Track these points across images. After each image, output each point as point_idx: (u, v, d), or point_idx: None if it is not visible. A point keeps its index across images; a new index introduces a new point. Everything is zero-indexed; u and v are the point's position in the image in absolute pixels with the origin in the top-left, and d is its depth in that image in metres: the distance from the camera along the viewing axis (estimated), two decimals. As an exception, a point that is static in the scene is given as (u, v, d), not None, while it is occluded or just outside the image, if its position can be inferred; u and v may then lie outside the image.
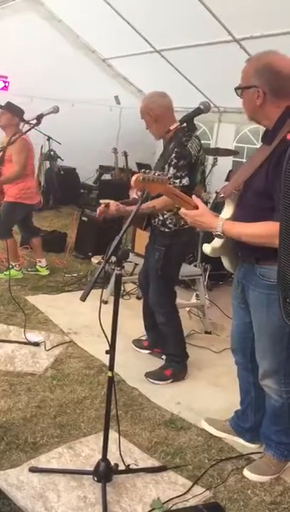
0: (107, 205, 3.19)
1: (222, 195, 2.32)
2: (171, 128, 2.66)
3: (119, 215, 3.32)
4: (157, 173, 2.02)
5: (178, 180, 3.07)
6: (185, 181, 3.08)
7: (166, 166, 3.12)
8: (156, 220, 3.31)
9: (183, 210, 2.26)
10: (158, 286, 3.38)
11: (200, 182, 3.30)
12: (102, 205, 3.21)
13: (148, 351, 3.76)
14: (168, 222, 3.25)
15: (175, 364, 3.45)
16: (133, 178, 2.00)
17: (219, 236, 2.21)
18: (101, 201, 3.24)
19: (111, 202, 3.22)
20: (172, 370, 3.42)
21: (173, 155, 3.10)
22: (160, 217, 3.27)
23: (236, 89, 2.25)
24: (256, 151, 2.34)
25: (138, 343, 3.83)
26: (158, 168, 3.16)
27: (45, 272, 5.29)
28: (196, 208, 2.22)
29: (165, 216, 3.24)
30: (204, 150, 3.32)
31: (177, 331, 3.50)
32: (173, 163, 3.09)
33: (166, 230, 3.27)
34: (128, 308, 4.49)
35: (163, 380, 3.37)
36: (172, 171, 3.09)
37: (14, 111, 4.83)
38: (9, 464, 2.42)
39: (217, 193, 7.32)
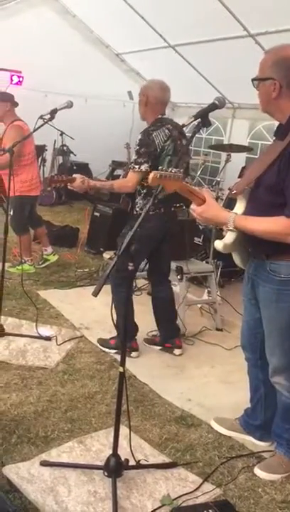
0: (73, 180, 3.36)
1: (234, 191, 2.32)
2: (152, 119, 3.26)
3: (84, 189, 3.44)
4: (173, 171, 2.02)
5: (137, 166, 3.28)
6: (144, 167, 3.26)
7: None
8: (136, 205, 3.46)
9: (191, 207, 2.24)
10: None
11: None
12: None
13: (159, 347, 3.76)
14: (136, 206, 3.43)
15: (118, 337, 3.54)
16: (151, 175, 2.01)
17: (231, 231, 2.21)
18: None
19: (78, 176, 3.41)
20: (116, 341, 3.57)
21: (137, 142, 3.34)
22: (136, 202, 3.42)
23: (253, 80, 2.25)
24: (269, 147, 2.33)
25: (149, 340, 3.83)
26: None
27: (54, 258, 5.31)
28: (204, 201, 2.20)
29: (136, 200, 3.42)
30: (184, 141, 3.51)
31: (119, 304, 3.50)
32: (135, 149, 3.34)
33: (134, 212, 3.45)
34: (139, 303, 4.48)
35: (106, 347, 3.60)
36: (134, 156, 3.32)
37: (4, 97, 4.85)
38: (20, 457, 2.43)
39: (229, 189, 7.30)
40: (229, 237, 2.30)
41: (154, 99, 3.44)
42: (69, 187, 3.39)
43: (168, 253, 3.76)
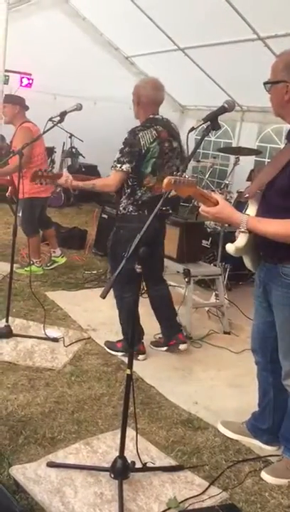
0: (59, 176, 3.40)
1: (246, 195, 2.32)
2: (144, 118, 3.26)
3: (67, 186, 3.47)
4: (187, 176, 2.02)
5: (119, 165, 3.24)
6: (126, 167, 3.23)
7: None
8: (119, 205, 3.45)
9: (203, 208, 2.22)
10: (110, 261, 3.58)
11: (153, 174, 3.35)
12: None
13: (165, 348, 3.76)
14: (120, 206, 3.40)
15: (126, 340, 3.55)
16: (165, 181, 2.01)
17: (243, 233, 2.21)
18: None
19: (65, 173, 3.44)
20: (123, 344, 3.58)
21: (123, 141, 3.27)
22: (120, 202, 3.40)
23: (265, 84, 2.25)
24: (280, 151, 2.33)
25: (155, 343, 3.84)
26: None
27: (62, 260, 5.34)
28: (217, 204, 2.20)
29: (119, 199, 3.40)
30: (171, 143, 3.43)
31: (123, 310, 3.58)
32: (120, 148, 3.26)
33: (118, 212, 3.43)
34: (147, 306, 4.49)
35: (113, 350, 3.61)
36: (117, 155, 3.26)
37: (14, 100, 4.90)
38: (27, 458, 2.44)
39: (238, 192, 7.28)
40: (241, 240, 2.30)
41: (146, 99, 3.37)
42: (55, 184, 3.47)
43: (161, 254, 3.78)
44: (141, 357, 3.57)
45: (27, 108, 4.94)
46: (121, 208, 3.40)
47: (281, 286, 2.29)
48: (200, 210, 2.28)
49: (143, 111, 3.40)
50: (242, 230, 2.19)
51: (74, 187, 3.49)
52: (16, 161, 4.47)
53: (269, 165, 2.36)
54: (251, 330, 2.71)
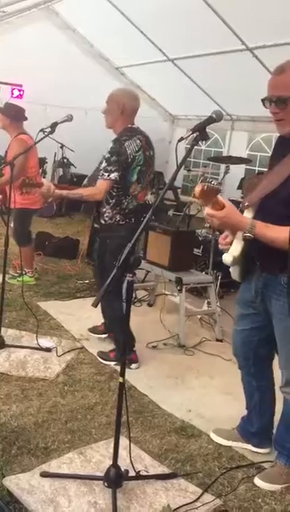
0: (40, 185, 3.45)
1: (246, 203, 2.30)
2: (121, 128, 3.31)
3: (49, 197, 3.51)
4: (213, 183, 2.00)
5: (106, 174, 3.27)
6: (114, 176, 3.27)
7: (103, 160, 3.33)
8: (101, 211, 3.47)
9: (209, 211, 2.12)
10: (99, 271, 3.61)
11: (138, 182, 3.41)
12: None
13: (104, 335, 3.86)
14: (105, 215, 3.43)
15: (117, 349, 3.59)
16: (198, 189, 1.98)
17: (248, 237, 2.14)
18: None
19: (46, 182, 3.50)
20: (115, 353, 3.59)
21: (108, 150, 3.31)
22: (101, 210, 3.44)
23: (281, 99, 2.15)
24: (284, 160, 2.25)
25: (93, 329, 4.00)
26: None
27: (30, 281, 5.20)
28: (223, 207, 2.12)
29: (103, 209, 3.42)
30: (148, 152, 3.46)
31: (114, 319, 3.63)
32: (106, 157, 3.30)
33: (102, 222, 3.46)
34: (139, 315, 4.51)
35: (106, 360, 3.61)
36: (104, 164, 3.29)
37: (5, 111, 4.89)
38: (20, 468, 2.43)
39: (229, 200, 7.33)
40: (236, 249, 2.26)
41: (130, 108, 3.42)
42: (44, 195, 3.49)
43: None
44: (133, 366, 3.58)
45: (24, 119, 4.93)
46: (106, 218, 3.42)
47: (283, 296, 2.26)
48: (205, 213, 2.17)
49: (123, 121, 3.42)
50: (248, 234, 2.12)
51: (57, 196, 3.50)
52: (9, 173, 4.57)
53: (272, 173, 2.30)
54: (231, 336, 2.73)
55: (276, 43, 6.30)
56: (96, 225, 6.09)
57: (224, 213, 2.11)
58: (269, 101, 2.21)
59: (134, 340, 3.64)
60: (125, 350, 2.43)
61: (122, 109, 3.40)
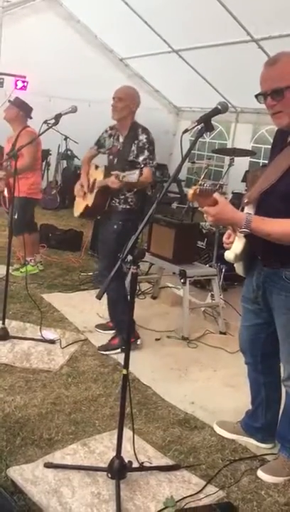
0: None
1: (246, 200, 2.28)
2: (130, 122, 3.58)
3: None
4: (208, 185, 2.04)
5: (151, 161, 3.53)
6: (155, 163, 3.60)
7: (134, 150, 3.54)
8: (117, 200, 3.63)
9: (204, 208, 2.12)
10: (113, 253, 3.61)
11: None
12: None
13: (112, 331, 3.85)
14: (129, 200, 3.62)
15: (118, 332, 3.68)
16: (190, 192, 2.02)
17: (244, 232, 2.13)
18: None
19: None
20: (118, 339, 3.64)
21: (144, 141, 3.54)
22: (122, 196, 3.61)
23: (277, 91, 2.11)
24: (281, 154, 2.24)
25: (101, 326, 4.01)
26: (125, 154, 3.57)
27: (34, 270, 5.22)
28: (216, 203, 2.10)
29: (127, 195, 3.60)
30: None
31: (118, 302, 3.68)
32: (146, 147, 3.53)
33: (127, 207, 3.63)
34: (143, 307, 4.51)
35: (109, 350, 3.62)
36: (146, 154, 3.51)
37: (20, 105, 4.91)
38: (24, 459, 2.45)
39: (233, 193, 7.31)
40: (238, 245, 2.26)
41: (137, 108, 3.66)
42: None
43: None
44: (138, 341, 3.69)
45: (31, 117, 4.95)
46: (130, 202, 3.62)
47: (284, 290, 2.26)
48: (200, 209, 2.22)
49: (133, 116, 3.66)
50: (244, 229, 2.10)
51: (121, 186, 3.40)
52: (24, 161, 4.68)
53: (271, 168, 2.28)
54: (238, 332, 2.72)
55: (282, 33, 6.25)
56: (99, 217, 6.15)
57: (216, 210, 2.10)
58: (263, 96, 2.17)
59: (134, 323, 3.72)
60: (130, 339, 2.41)
61: (136, 106, 3.64)
